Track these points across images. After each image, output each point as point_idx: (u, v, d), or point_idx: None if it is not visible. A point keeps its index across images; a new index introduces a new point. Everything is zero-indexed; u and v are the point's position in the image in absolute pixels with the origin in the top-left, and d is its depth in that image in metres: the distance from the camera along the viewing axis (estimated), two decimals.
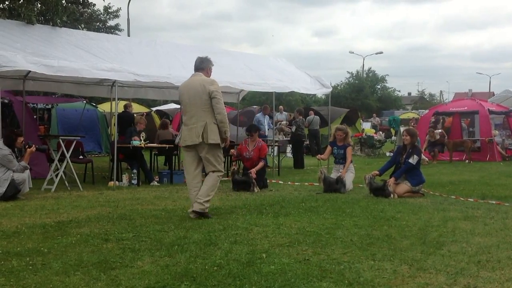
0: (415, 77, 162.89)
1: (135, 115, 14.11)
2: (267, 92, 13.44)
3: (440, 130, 17.14)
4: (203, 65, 6.70)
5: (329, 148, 10.04)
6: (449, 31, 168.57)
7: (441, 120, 18.89)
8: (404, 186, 8.49)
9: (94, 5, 14.48)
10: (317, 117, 19.15)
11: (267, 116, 15.74)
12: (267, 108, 15.95)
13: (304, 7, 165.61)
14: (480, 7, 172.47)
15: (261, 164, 9.61)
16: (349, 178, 9.45)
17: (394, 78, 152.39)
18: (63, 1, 11.79)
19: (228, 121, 6.59)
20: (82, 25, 24.85)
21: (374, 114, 33.57)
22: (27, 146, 8.26)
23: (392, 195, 8.19)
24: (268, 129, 15.96)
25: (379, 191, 8.32)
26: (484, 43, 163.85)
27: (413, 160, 8.49)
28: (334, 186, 8.95)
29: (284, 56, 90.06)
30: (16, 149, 8.11)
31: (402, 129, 19.46)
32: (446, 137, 16.95)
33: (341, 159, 9.67)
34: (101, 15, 31.01)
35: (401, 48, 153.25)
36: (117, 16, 31.35)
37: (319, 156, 10.27)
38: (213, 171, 6.43)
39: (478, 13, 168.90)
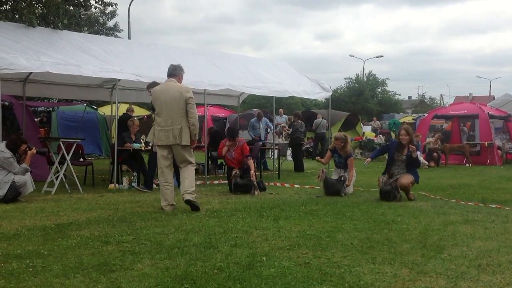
0: (416, 80, 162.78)
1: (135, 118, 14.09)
2: (267, 95, 13.45)
3: (430, 139, 17.19)
4: (175, 72, 7.37)
5: (329, 153, 9.87)
6: (451, 35, 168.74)
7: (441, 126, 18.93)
8: (409, 176, 8.48)
9: (96, 7, 14.47)
10: (325, 121, 19.19)
11: (264, 120, 15.74)
12: (260, 115, 15.96)
13: (307, 10, 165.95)
14: (483, 11, 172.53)
15: (251, 162, 9.54)
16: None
17: (395, 81, 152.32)
18: (65, 4, 11.78)
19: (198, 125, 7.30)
20: (85, 28, 24.88)
21: (375, 118, 33.50)
22: (27, 149, 8.26)
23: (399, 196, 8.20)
24: (268, 132, 15.99)
25: (387, 194, 8.24)
26: (486, 47, 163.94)
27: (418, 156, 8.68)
28: (336, 186, 8.94)
29: (286, 59, 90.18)
30: (17, 154, 8.11)
31: None
32: (439, 144, 16.96)
33: (342, 166, 9.58)
34: (99, 17, 30.93)
35: (403, 51, 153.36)
36: (114, 16, 31.27)
37: (318, 158, 10.18)
38: (188, 164, 7.23)
39: (481, 17, 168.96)
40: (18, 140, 8.20)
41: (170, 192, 7.18)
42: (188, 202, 7.08)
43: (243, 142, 9.85)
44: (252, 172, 9.35)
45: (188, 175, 7.21)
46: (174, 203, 7.25)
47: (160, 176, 7.28)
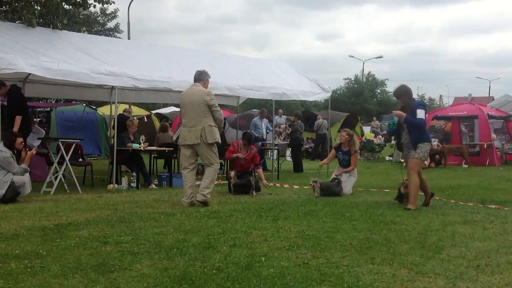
0: (416, 81, 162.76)
1: (135, 118, 14.09)
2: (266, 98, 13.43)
3: (436, 142, 17.16)
4: (201, 77, 7.91)
5: (333, 152, 9.79)
6: (454, 36, 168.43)
7: (442, 127, 18.91)
8: (412, 160, 7.67)
9: (94, 6, 14.48)
10: (325, 121, 19.21)
11: (265, 120, 15.75)
12: (264, 112, 15.95)
13: (308, 10, 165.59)
14: (487, 11, 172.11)
15: (260, 172, 9.88)
16: (350, 181, 9.41)
17: (395, 82, 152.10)
18: (64, 4, 11.78)
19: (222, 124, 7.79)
20: (84, 28, 24.83)
21: (374, 118, 33.48)
22: (27, 149, 8.26)
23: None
24: (267, 133, 15.97)
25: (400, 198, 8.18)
26: (488, 48, 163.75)
27: (419, 114, 7.62)
28: (330, 189, 8.94)
29: (287, 59, 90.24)
30: (15, 151, 8.10)
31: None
32: (440, 146, 16.94)
33: (345, 165, 9.52)
34: (99, 17, 30.84)
35: (405, 52, 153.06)
36: (115, 17, 31.18)
37: (321, 163, 9.81)
38: (210, 164, 7.74)
39: (484, 17, 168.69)
40: (11, 136, 8.18)
41: (190, 190, 7.67)
42: (198, 201, 7.62)
43: (255, 150, 9.91)
44: (265, 182, 9.69)
45: (208, 175, 7.74)
46: (193, 200, 7.69)
47: (184, 172, 7.81)
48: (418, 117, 7.56)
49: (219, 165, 7.87)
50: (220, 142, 7.90)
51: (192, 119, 7.61)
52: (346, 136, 9.50)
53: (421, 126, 7.64)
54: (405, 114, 7.65)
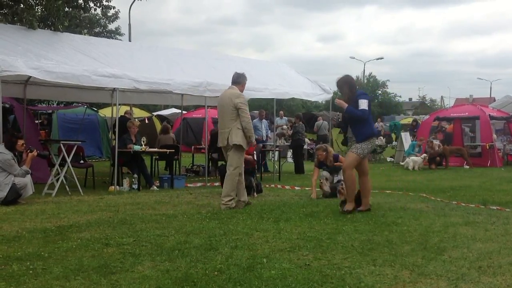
0: (417, 82, 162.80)
1: (136, 119, 14.11)
2: (268, 97, 13.45)
3: (438, 142, 17.15)
4: (239, 80, 7.90)
5: (316, 170, 9.30)
6: (454, 37, 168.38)
7: (443, 128, 18.88)
8: (349, 155, 7.27)
9: (95, 9, 14.50)
10: (326, 122, 19.23)
11: (264, 121, 15.74)
12: (262, 113, 15.94)
13: (309, 12, 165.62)
14: (488, 12, 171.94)
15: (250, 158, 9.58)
16: None
17: (396, 83, 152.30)
18: (65, 6, 11.79)
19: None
20: (85, 31, 24.82)
21: (379, 119, 33.39)
22: (28, 151, 8.26)
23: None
24: (267, 134, 15.97)
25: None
26: (489, 49, 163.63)
27: (362, 104, 7.11)
28: (334, 191, 8.93)
29: (288, 61, 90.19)
30: (17, 153, 8.11)
31: (403, 134, 19.54)
32: (441, 147, 16.93)
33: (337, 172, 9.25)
34: (101, 19, 30.79)
35: (406, 53, 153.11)
36: (116, 18, 31.09)
37: (312, 196, 8.99)
38: (230, 169, 7.58)
39: (485, 18, 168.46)
40: (13, 137, 8.19)
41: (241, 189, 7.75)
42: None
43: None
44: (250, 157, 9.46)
45: (227, 182, 7.59)
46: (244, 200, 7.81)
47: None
48: (360, 108, 7.08)
49: (239, 169, 7.67)
50: (245, 147, 7.69)
51: (222, 122, 7.70)
52: (323, 153, 9.20)
53: (363, 118, 7.13)
54: (346, 104, 7.16)
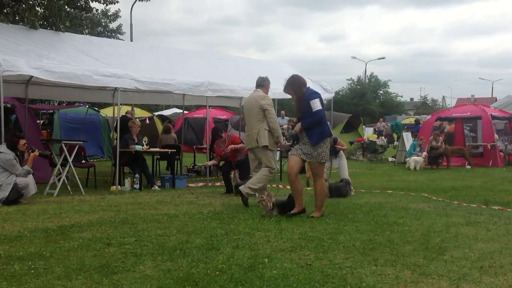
0: (419, 82, 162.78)
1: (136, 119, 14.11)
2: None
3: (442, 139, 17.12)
4: (263, 83, 8.12)
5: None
6: (456, 37, 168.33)
7: (445, 126, 18.87)
8: (314, 165, 6.81)
9: (97, 10, 14.55)
10: (327, 122, 19.16)
11: None
12: None
13: (312, 12, 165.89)
14: (490, 12, 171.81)
15: (241, 145, 9.66)
16: (344, 166, 9.50)
17: (398, 83, 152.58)
18: (66, 7, 11.81)
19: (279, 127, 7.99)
20: (87, 31, 24.80)
21: (381, 119, 33.33)
22: (30, 151, 8.27)
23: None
24: None
25: None
26: (491, 49, 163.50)
27: (314, 105, 6.63)
28: (339, 190, 8.93)
29: (290, 61, 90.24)
30: (18, 153, 8.12)
31: (404, 134, 19.51)
32: (443, 145, 16.91)
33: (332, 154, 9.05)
34: (102, 19, 30.76)
35: (408, 53, 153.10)
36: (117, 17, 31.05)
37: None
38: (265, 166, 7.80)
39: (487, 18, 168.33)
40: (14, 137, 8.19)
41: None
42: (239, 191, 7.76)
43: (230, 135, 9.98)
44: (230, 147, 9.54)
45: (258, 173, 7.77)
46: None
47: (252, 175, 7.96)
48: (315, 110, 6.61)
49: (274, 168, 8.01)
50: (271, 147, 7.85)
51: (249, 124, 7.88)
52: None
53: (322, 120, 6.72)
54: (299, 127, 6.80)
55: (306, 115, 6.74)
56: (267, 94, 8.06)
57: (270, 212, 6.86)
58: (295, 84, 6.98)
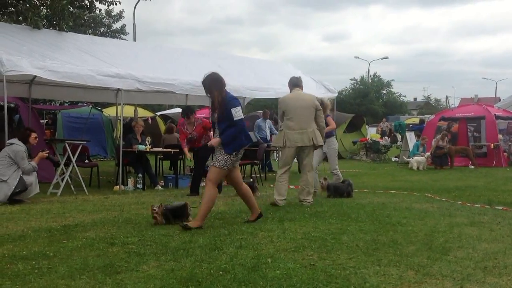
0: (423, 82, 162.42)
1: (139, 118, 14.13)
2: (272, 97, 13.47)
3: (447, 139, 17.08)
4: (299, 83, 8.25)
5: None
6: (460, 37, 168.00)
7: (452, 125, 18.84)
8: (211, 169, 6.16)
9: (100, 10, 14.61)
10: None
11: (268, 121, 15.72)
12: (266, 113, 15.91)
13: (315, 12, 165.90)
14: (495, 12, 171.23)
15: (211, 135, 9.06)
16: (333, 155, 9.41)
17: (402, 83, 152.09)
18: (69, 7, 11.83)
19: None
20: (90, 31, 24.87)
21: (384, 119, 33.28)
22: (41, 150, 8.38)
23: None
24: (271, 134, 15.95)
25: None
26: (495, 48, 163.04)
27: (237, 113, 6.01)
28: (339, 190, 8.91)
29: (293, 61, 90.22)
30: (28, 147, 8.23)
31: (407, 134, 19.48)
32: (447, 145, 16.88)
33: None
34: (105, 19, 30.79)
35: (411, 53, 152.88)
36: (121, 17, 31.05)
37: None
38: (311, 169, 8.06)
39: (491, 18, 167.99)
40: (26, 130, 8.37)
41: (285, 188, 7.95)
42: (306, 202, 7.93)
43: (202, 119, 9.92)
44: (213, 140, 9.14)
45: (311, 178, 8.05)
46: (285, 198, 7.95)
47: (280, 172, 7.99)
48: (236, 118, 6.02)
49: (315, 170, 8.38)
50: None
51: (301, 122, 7.79)
52: None
53: (242, 129, 6.14)
54: (217, 140, 6.07)
55: (225, 120, 6.06)
56: None
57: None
58: (220, 83, 6.12)
